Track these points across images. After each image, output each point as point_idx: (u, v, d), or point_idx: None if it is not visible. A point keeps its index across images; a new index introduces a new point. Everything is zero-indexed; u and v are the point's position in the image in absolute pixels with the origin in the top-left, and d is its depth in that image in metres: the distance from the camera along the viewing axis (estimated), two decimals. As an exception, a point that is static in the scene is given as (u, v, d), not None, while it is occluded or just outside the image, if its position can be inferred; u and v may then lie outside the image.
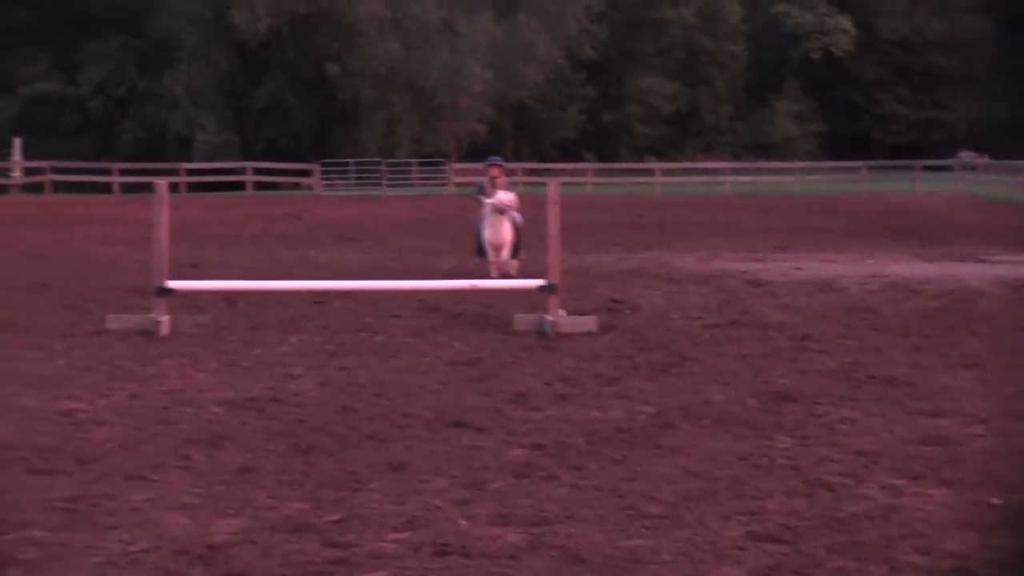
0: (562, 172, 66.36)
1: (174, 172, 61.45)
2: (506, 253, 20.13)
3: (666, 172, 68.29)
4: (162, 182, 15.79)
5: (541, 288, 15.20)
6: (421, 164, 68.46)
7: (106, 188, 61.83)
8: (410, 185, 66.28)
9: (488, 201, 19.92)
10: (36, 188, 61.90)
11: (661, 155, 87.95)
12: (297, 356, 13.40)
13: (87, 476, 8.46)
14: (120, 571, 6.61)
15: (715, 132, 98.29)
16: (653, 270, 22.95)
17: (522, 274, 19.61)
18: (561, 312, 15.09)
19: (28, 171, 62.19)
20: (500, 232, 19.99)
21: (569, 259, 21.64)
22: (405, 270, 22.38)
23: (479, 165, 75.35)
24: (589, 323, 15.10)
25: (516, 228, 20.11)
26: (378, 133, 73.69)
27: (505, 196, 19.86)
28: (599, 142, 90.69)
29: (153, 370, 12.54)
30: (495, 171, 20.29)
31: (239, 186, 63.94)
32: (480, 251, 20.53)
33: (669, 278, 21.48)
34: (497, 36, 77.13)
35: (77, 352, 13.68)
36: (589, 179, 66.11)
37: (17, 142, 62.81)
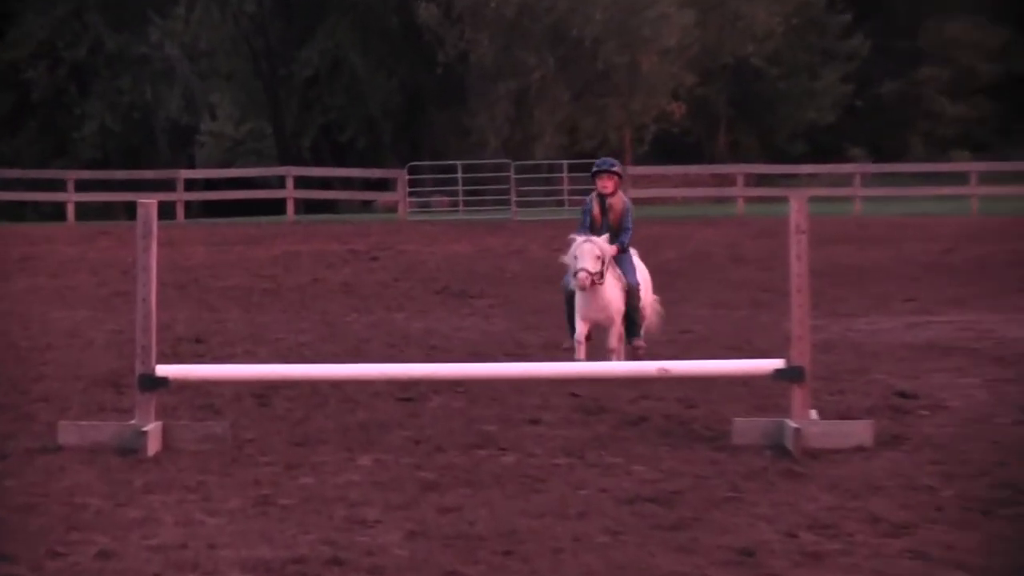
0: (813, 179, 65.97)
1: (167, 184, 62.33)
2: (616, 334, 19.99)
3: (989, 178, 67.63)
4: (149, 201, 16.04)
5: (778, 373, 15.20)
6: (574, 168, 68.50)
7: (58, 210, 62.85)
8: (558, 204, 66.34)
9: (578, 242, 19.53)
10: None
11: (980, 150, 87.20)
12: (372, 489, 13.52)
13: None
14: None
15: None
16: (968, 343, 22.80)
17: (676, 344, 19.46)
18: (813, 414, 15.07)
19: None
20: (600, 298, 19.68)
21: (827, 325, 21.62)
22: (549, 345, 22.49)
23: (671, 168, 74.80)
24: (860, 433, 15.06)
25: (630, 290, 19.97)
26: (503, 118, 74.00)
27: (603, 246, 19.47)
28: (875, 129, 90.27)
29: (135, 513, 12.74)
30: (606, 182, 20.29)
31: (273, 206, 64.49)
32: (571, 325, 20.16)
33: (995, 357, 21.33)
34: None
35: (10, 482, 13.94)
36: (858, 191, 65.75)
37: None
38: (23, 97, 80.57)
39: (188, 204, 62.80)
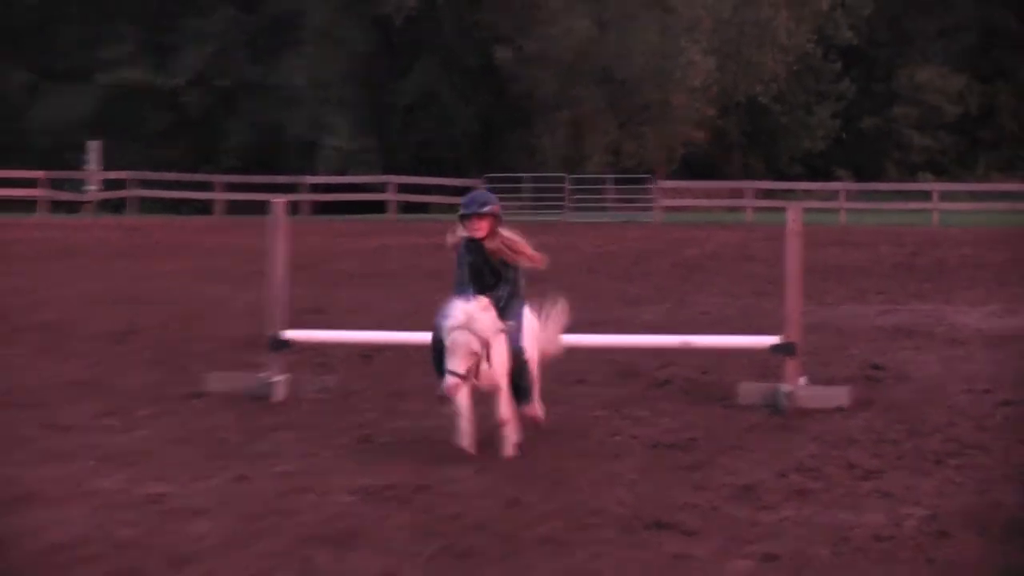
0: (807, 195, 65.88)
1: (293, 188, 62.58)
2: (505, 401, 12.80)
3: (948, 196, 67.43)
4: (279, 201, 16.16)
5: (775, 348, 15.20)
6: (618, 181, 68.55)
7: (206, 208, 63.22)
8: (603, 209, 66.40)
9: (452, 325, 12.37)
10: (117, 206, 63.50)
11: (941, 173, 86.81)
12: (451, 432, 13.57)
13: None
14: None
15: (1019, 144, 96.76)
16: (927, 327, 22.73)
17: (716, 325, 19.29)
18: (802, 381, 15.06)
19: (108, 184, 63.73)
20: (498, 356, 12.72)
21: (815, 311, 21.61)
22: (593, 321, 22.49)
23: (695, 183, 74.56)
24: (840, 396, 15.04)
25: (513, 354, 12.86)
26: (561, 139, 73.99)
27: (482, 329, 12.40)
28: (857, 155, 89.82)
29: (265, 446, 12.84)
30: (478, 225, 13.10)
31: (377, 207, 64.76)
32: (439, 367, 12.70)
33: (949, 339, 21.26)
34: (723, 13, 77.05)
35: (168, 420, 14.06)
36: (843, 204, 65.60)
37: (94, 146, 64.27)
38: (180, 116, 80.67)
39: (310, 204, 63.05)
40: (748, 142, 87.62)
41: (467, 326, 12.20)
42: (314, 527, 9.99)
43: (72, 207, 62.76)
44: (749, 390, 15.27)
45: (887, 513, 10.52)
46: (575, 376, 16.94)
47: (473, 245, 12.99)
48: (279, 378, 15.38)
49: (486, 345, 12.33)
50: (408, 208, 65.25)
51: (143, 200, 64.09)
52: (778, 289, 15.84)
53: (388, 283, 29.46)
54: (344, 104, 76.63)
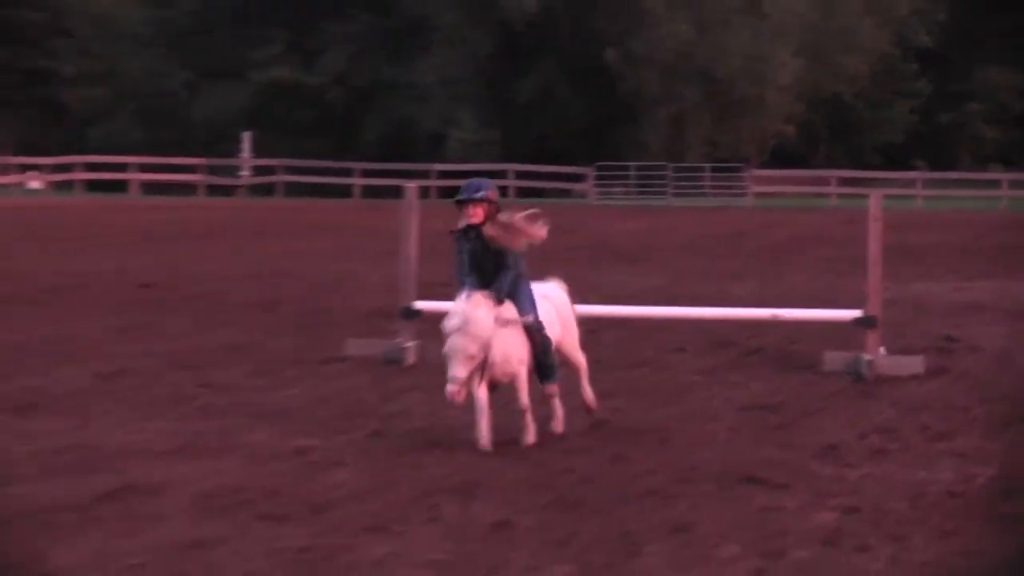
0: (886, 183, 65.26)
1: (424, 175, 62.76)
2: (523, 389, 11.50)
3: (1016, 184, 66.64)
4: (412, 185, 16.23)
5: (857, 321, 15.09)
6: (714, 170, 68.30)
7: (345, 191, 63.59)
8: (701, 194, 66.20)
9: (451, 326, 11.18)
10: (266, 190, 64.15)
11: (1011, 164, 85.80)
12: (563, 393, 13.57)
13: (322, 525, 8.79)
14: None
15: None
16: (997, 303, 22.47)
17: (818, 302, 19.09)
18: (881, 351, 14.94)
19: (259, 170, 64.55)
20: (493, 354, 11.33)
21: (893, 288, 21.40)
22: (692, 296, 22.41)
23: (784, 172, 74.19)
24: (916, 365, 14.93)
25: (530, 330, 11.62)
26: (664, 132, 73.81)
27: (481, 327, 11.11)
28: (933, 147, 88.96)
29: (397, 405, 12.90)
30: (473, 212, 11.76)
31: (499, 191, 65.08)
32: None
33: (1016, 313, 21.02)
34: (811, 18, 76.50)
35: (311, 381, 14.17)
36: (919, 191, 65.03)
37: (247, 136, 65.10)
38: (323, 111, 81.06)
39: (438, 189, 63.23)
40: (832, 135, 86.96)
41: (462, 330, 10.98)
42: (440, 479, 10.03)
43: (227, 191, 63.60)
44: (833, 359, 15.18)
45: (958, 472, 10.42)
46: (675, 345, 16.93)
47: (471, 232, 11.66)
48: (410, 344, 15.44)
49: (486, 345, 11.06)
50: (525, 193, 65.33)
51: (289, 185, 64.64)
52: (859, 268, 15.71)
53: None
54: (469, 100, 76.84)
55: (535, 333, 11.55)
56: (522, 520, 8.91)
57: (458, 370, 10.92)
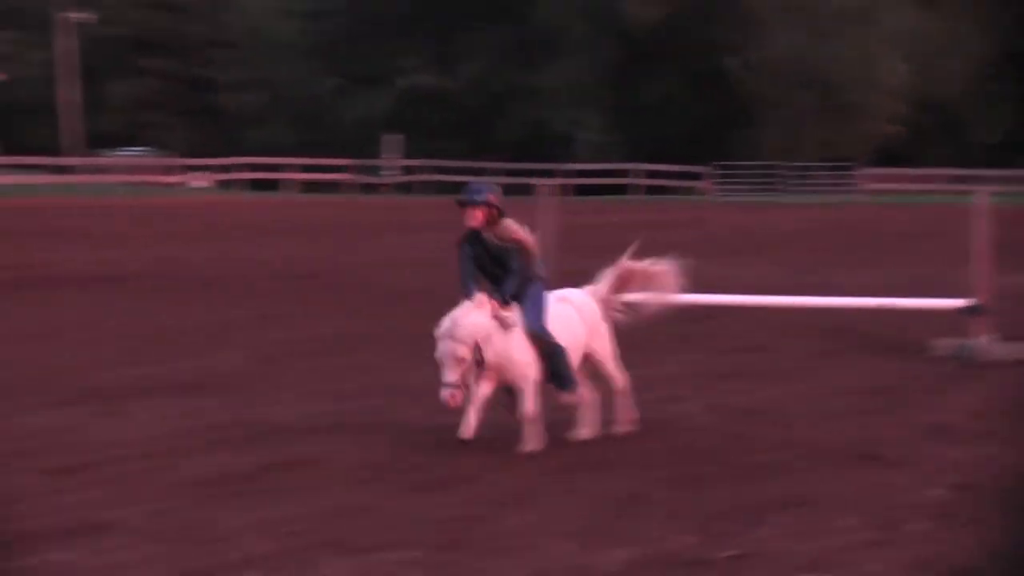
0: (992, 180, 64.51)
1: (554, 174, 62.81)
2: (530, 397, 10.38)
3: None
4: (546, 183, 16.27)
5: (966, 309, 14.90)
6: (826, 168, 67.84)
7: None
8: (814, 192, 65.76)
9: (440, 332, 10.33)
10: (408, 188, 64.76)
11: None
12: (684, 376, 13.55)
13: (467, 495, 8.89)
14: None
15: None
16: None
17: (926, 291, 18.74)
18: (988, 337, 14.74)
19: (402, 169, 65.17)
20: (496, 358, 10.35)
21: (999, 279, 21.07)
22: (805, 285, 22.24)
23: (893, 170, 73.25)
24: (1021, 351, 14.70)
25: (535, 337, 10.52)
26: (778, 134, 73.43)
27: (470, 330, 10.20)
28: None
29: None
30: (473, 215, 10.82)
31: (622, 189, 64.97)
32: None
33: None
34: (920, 26, 75.63)
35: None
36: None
37: (390, 139, 65.72)
38: (461, 114, 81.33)
39: (568, 187, 63.29)
40: (939, 135, 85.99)
41: (449, 334, 10.12)
42: (576, 454, 10.06)
43: (371, 189, 64.14)
44: (942, 345, 15.00)
45: (1063, 451, 10.28)
46: (790, 331, 16.81)
47: (473, 236, 10.73)
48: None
49: (476, 347, 10.10)
50: (648, 190, 65.37)
51: (430, 184, 65.09)
52: (967, 260, 15.50)
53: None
54: (596, 104, 76.93)
55: (538, 338, 10.45)
56: (652, 493, 8.91)
57: (449, 375, 10.06)
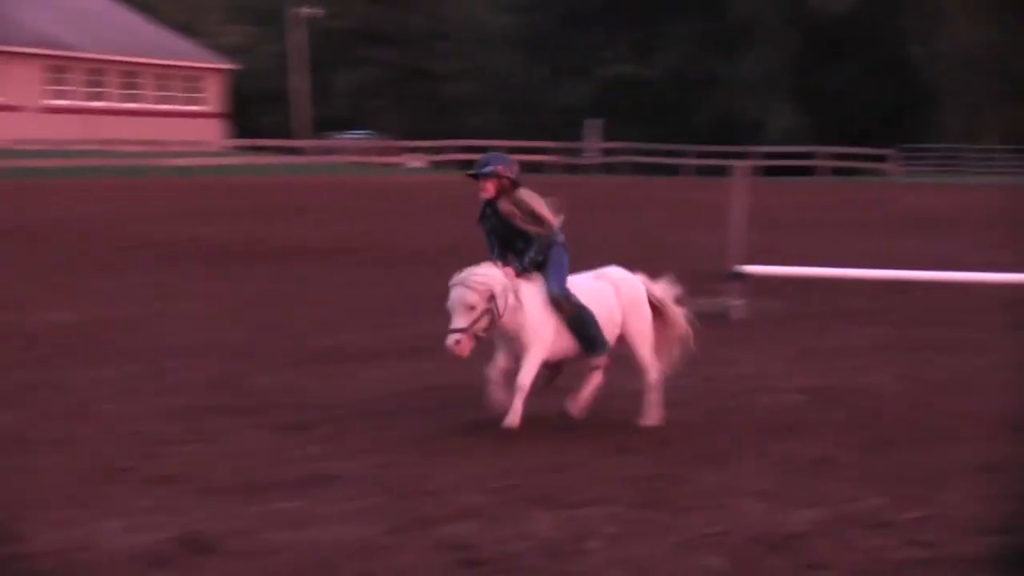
0: None
1: (746, 156, 62.24)
2: (529, 363, 9.60)
3: None
4: (742, 164, 16.10)
5: None
6: (1008, 151, 66.13)
7: (675, 171, 63.61)
8: (996, 173, 64.18)
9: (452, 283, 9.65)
10: (609, 169, 65.05)
11: None
12: (874, 348, 13.32)
13: (665, 456, 8.79)
14: (695, 553, 6.82)
15: None
16: None
17: None
18: None
19: (603, 152, 65.57)
20: (507, 324, 9.60)
21: None
22: (989, 263, 21.67)
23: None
24: None
25: (556, 302, 9.71)
26: (961, 118, 71.92)
27: (484, 280, 9.51)
28: None
29: (725, 354, 12.79)
30: (484, 187, 9.95)
31: (809, 171, 64.21)
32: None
33: None
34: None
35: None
36: None
37: (592, 124, 66.16)
38: (659, 101, 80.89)
39: (760, 168, 62.71)
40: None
41: (463, 281, 9.41)
42: (766, 419, 9.93)
43: (575, 169, 64.46)
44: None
45: None
46: (976, 307, 16.44)
47: (490, 209, 9.90)
48: (736, 303, 15.30)
49: (489, 295, 9.36)
50: (834, 172, 64.53)
51: (629, 165, 65.20)
52: None
53: (822, 231, 28.96)
54: (785, 90, 76.21)
55: (562, 303, 9.63)
56: (840, 456, 8.77)
57: (457, 320, 9.33)
